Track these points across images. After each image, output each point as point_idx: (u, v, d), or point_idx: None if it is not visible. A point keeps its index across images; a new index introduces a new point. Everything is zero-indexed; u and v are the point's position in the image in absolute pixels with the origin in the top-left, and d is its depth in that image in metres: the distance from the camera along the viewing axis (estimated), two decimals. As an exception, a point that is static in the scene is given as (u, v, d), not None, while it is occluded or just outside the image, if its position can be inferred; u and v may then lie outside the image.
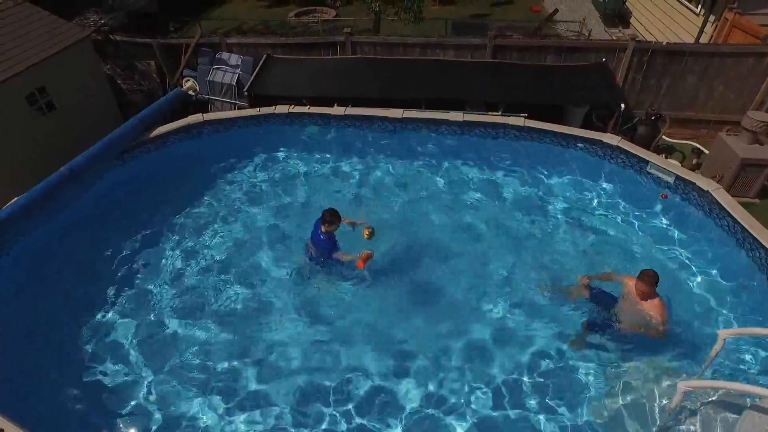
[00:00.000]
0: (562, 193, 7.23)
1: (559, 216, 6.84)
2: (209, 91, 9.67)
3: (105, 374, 5.27)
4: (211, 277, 6.24)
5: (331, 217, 5.29)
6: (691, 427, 4.12)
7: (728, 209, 5.65)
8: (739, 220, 5.50)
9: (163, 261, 6.47)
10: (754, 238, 5.37)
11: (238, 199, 7.40)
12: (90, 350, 5.49)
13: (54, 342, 5.52)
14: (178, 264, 6.43)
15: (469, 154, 7.77)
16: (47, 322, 5.69)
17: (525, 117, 7.68)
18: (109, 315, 5.84)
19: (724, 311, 5.39)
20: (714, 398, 4.10)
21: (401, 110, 7.72)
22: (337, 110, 7.86)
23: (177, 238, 6.76)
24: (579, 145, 7.14)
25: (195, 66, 9.95)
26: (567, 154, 7.24)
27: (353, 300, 5.79)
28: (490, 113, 8.16)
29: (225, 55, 9.67)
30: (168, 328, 5.69)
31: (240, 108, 9.48)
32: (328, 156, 8.11)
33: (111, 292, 6.08)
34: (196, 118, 7.72)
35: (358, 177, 7.79)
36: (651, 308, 4.67)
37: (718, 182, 7.35)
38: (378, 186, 7.62)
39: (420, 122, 7.69)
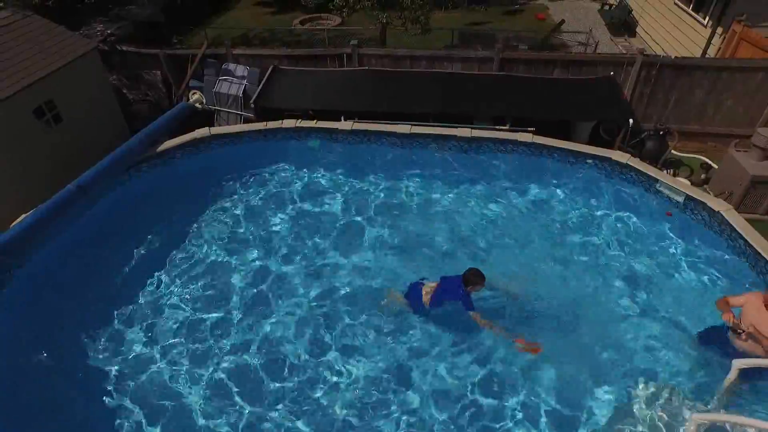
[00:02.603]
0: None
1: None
2: (215, 103, 9.66)
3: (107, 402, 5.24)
4: (223, 299, 6.20)
5: (476, 277, 5.05)
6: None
7: (741, 232, 5.60)
8: (753, 243, 5.45)
9: (168, 279, 6.43)
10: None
11: (246, 215, 7.35)
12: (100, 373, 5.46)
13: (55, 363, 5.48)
14: (185, 283, 6.39)
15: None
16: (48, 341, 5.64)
17: (533, 132, 7.67)
18: (114, 337, 5.81)
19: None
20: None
21: (409, 126, 7.69)
22: (344, 125, 7.83)
23: (183, 256, 6.71)
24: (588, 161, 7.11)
25: (201, 76, 9.95)
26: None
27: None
28: (497, 127, 8.14)
29: (231, 66, 9.66)
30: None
31: (246, 119, 9.47)
32: (338, 170, 8.05)
33: (115, 312, 6.03)
34: (202, 132, 7.70)
35: (369, 192, 7.74)
36: None
37: (726, 199, 7.35)
38: (395, 201, 7.55)
39: (429, 138, 7.66)
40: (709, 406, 4.34)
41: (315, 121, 8.03)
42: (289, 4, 16.90)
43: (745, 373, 4.15)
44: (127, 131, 9.38)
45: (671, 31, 12.19)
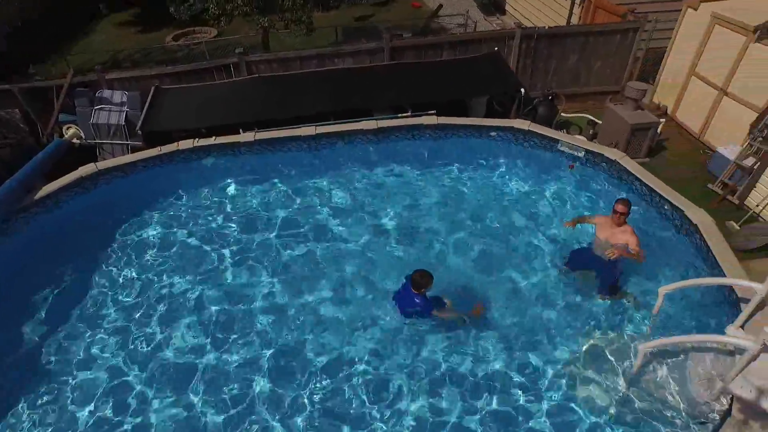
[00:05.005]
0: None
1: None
2: (95, 135, 8.68)
3: None
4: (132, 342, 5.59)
5: (422, 279, 4.83)
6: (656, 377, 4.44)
7: (636, 174, 6.17)
8: (646, 182, 6.03)
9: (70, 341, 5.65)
10: (661, 197, 5.93)
11: (151, 253, 6.64)
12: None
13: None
14: (88, 341, 5.64)
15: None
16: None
17: (435, 114, 7.82)
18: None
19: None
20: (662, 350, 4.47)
21: (313, 127, 7.49)
22: (246, 137, 7.43)
23: (84, 310, 5.92)
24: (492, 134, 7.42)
25: (73, 108, 8.88)
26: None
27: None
28: (400, 116, 8.20)
29: (107, 93, 8.73)
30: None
31: (134, 148, 8.61)
32: (243, 186, 7.64)
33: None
34: (88, 169, 6.87)
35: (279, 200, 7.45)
36: (626, 232, 5.24)
37: (615, 147, 8.08)
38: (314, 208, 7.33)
39: (334, 136, 7.52)
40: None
41: (214, 137, 7.53)
42: (156, 21, 15.78)
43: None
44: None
45: (537, 6, 13.15)
